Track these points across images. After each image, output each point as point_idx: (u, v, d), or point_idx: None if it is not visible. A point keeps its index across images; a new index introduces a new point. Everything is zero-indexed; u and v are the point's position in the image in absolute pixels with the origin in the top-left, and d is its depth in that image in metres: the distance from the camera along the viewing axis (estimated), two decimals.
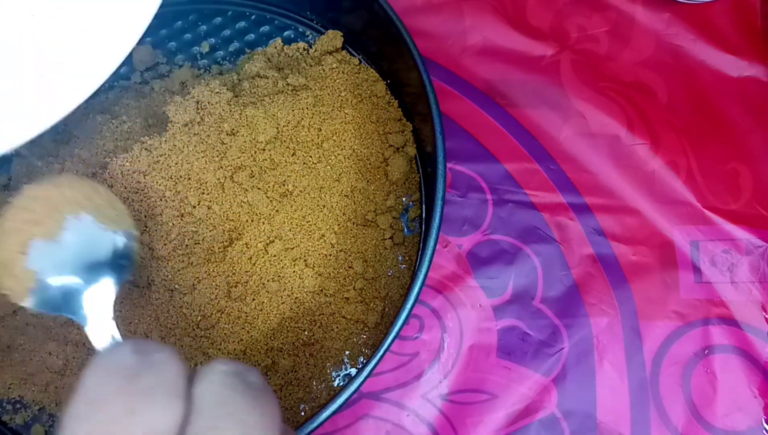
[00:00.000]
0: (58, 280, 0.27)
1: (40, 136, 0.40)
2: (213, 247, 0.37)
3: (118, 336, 0.27)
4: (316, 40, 0.42)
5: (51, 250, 0.26)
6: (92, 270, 0.28)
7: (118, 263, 0.29)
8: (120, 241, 0.29)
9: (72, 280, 0.27)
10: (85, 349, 0.37)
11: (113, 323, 0.27)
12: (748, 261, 0.41)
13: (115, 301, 0.28)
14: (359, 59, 0.42)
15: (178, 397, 0.19)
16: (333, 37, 0.41)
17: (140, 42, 0.42)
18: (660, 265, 0.41)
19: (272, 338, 0.37)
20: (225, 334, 0.37)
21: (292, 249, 0.37)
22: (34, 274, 0.26)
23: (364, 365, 0.32)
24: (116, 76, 0.42)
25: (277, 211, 0.37)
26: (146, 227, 0.37)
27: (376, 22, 0.38)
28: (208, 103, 0.37)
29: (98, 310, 0.27)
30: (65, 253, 0.27)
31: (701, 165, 0.42)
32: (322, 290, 0.38)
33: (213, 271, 0.37)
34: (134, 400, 0.18)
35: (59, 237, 0.27)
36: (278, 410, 0.21)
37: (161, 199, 0.37)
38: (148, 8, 0.21)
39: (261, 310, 0.37)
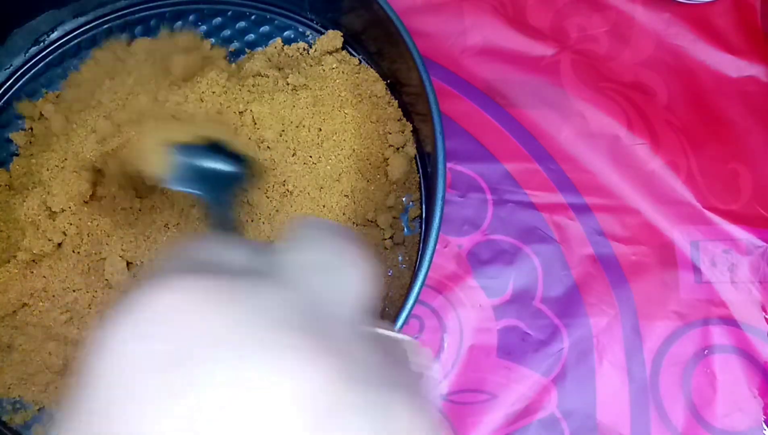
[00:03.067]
0: (188, 177, 0.31)
1: (38, 136, 0.40)
2: None
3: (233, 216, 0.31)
4: (316, 40, 0.42)
5: (188, 150, 0.31)
6: (219, 174, 0.32)
7: (242, 175, 0.33)
8: (245, 159, 0.34)
9: (199, 181, 0.31)
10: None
11: (232, 212, 0.31)
12: (748, 261, 0.41)
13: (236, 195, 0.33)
14: (359, 59, 0.42)
15: None
16: (333, 37, 0.41)
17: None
18: (660, 265, 0.41)
19: None
20: None
21: None
22: (175, 158, 0.31)
23: None
24: None
25: (277, 211, 0.37)
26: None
27: (376, 22, 0.38)
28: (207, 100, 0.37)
29: (220, 200, 0.31)
30: (200, 155, 0.32)
31: (701, 165, 0.42)
32: None
33: None
34: None
35: (196, 142, 0.32)
36: (367, 262, 0.19)
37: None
38: None
39: None
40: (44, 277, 0.36)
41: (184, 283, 0.15)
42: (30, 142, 0.40)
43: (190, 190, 0.31)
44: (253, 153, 0.34)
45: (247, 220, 0.37)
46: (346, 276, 0.18)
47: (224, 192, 0.31)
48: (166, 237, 0.36)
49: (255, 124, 0.37)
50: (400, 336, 0.19)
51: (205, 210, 0.30)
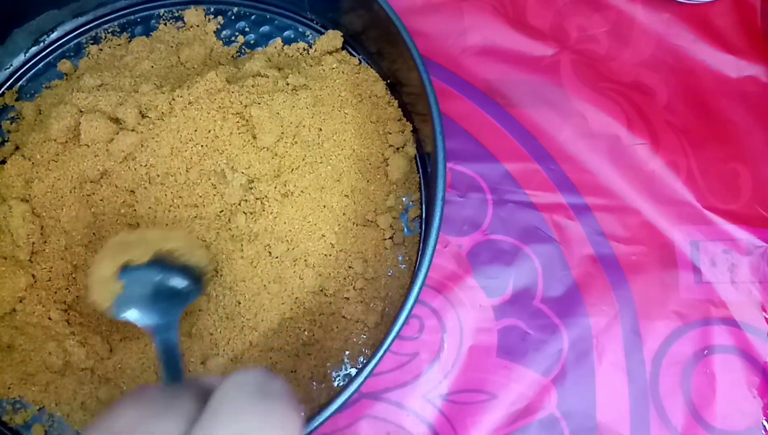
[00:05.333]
0: (138, 303, 0.32)
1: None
2: None
3: (177, 345, 0.31)
4: (316, 40, 0.42)
5: (138, 272, 0.32)
6: (168, 292, 0.33)
7: (191, 290, 0.34)
8: (197, 271, 0.34)
9: (148, 301, 0.32)
10: (84, 350, 0.36)
11: (177, 333, 0.32)
12: (748, 261, 0.41)
13: (180, 317, 0.33)
14: (359, 59, 0.42)
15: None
16: (333, 37, 0.41)
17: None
18: (660, 265, 0.41)
19: (272, 339, 0.37)
20: (225, 335, 0.37)
21: (293, 249, 0.37)
22: (122, 285, 0.32)
23: (364, 365, 0.32)
24: None
25: (277, 211, 0.37)
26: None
27: (376, 22, 0.38)
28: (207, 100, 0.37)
29: (165, 325, 0.32)
30: (150, 275, 0.33)
31: (701, 165, 0.42)
32: (322, 290, 0.38)
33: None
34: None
35: (147, 262, 0.32)
36: (294, 421, 0.21)
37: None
38: None
39: (261, 311, 0.37)
40: (32, 274, 0.37)
41: None
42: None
43: (135, 320, 0.32)
44: (205, 261, 0.35)
45: (249, 215, 0.37)
46: None
47: (171, 312, 0.32)
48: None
49: (254, 125, 0.37)
50: None
51: (152, 338, 0.31)
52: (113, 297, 0.32)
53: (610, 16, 0.45)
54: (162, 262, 0.33)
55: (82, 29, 0.43)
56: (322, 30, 0.43)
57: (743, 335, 0.40)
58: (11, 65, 0.42)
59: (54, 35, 0.43)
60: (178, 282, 0.33)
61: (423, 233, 0.39)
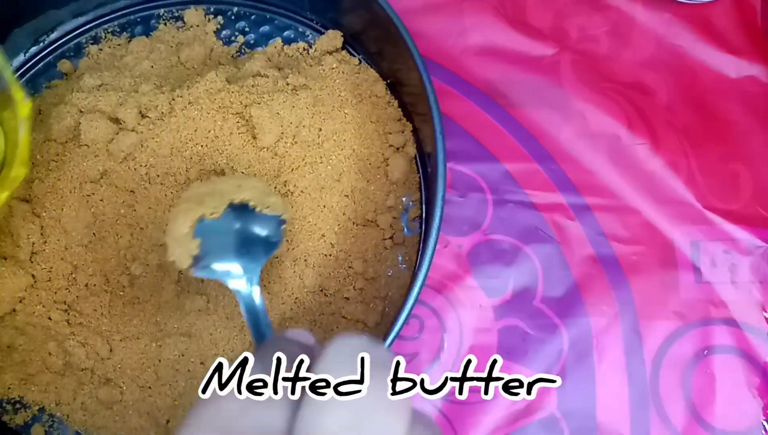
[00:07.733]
0: (218, 257, 0.31)
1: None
2: None
3: (260, 300, 0.31)
4: (316, 40, 0.42)
5: (214, 225, 0.31)
6: (247, 243, 0.32)
7: (269, 241, 0.33)
8: (273, 222, 0.33)
9: (228, 254, 0.32)
10: (84, 350, 0.37)
11: (258, 289, 0.31)
12: (749, 261, 0.41)
13: (261, 270, 0.32)
14: (359, 59, 0.42)
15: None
16: (333, 37, 0.41)
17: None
18: (660, 265, 0.41)
19: None
20: (225, 335, 0.37)
21: (293, 249, 0.37)
22: (199, 243, 0.31)
23: None
24: None
25: None
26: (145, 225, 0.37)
27: (376, 22, 0.38)
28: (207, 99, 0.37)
29: (247, 279, 0.31)
30: (227, 227, 0.32)
31: (701, 165, 0.42)
32: (322, 290, 0.38)
33: None
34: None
35: (222, 215, 0.31)
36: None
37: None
38: None
39: None
40: (32, 274, 0.36)
41: None
42: None
43: (216, 277, 0.31)
44: (281, 209, 0.33)
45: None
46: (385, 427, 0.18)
47: (251, 266, 0.32)
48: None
49: (254, 125, 0.37)
50: None
51: (236, 295, 0.31)
52: (191, 256, 0.31)
53: (610, 16, 0.44)
54: (237, 214, 0.32)
55: (81, 29, 0.43)
56: (322, 30, 0.43)
57: (743, 335, 0.39)
58: (11, 65, 0.42)
59: (54, 35, 0.43)
60: (256, 233, 0.32)
61: (423, 233, 0.39)
